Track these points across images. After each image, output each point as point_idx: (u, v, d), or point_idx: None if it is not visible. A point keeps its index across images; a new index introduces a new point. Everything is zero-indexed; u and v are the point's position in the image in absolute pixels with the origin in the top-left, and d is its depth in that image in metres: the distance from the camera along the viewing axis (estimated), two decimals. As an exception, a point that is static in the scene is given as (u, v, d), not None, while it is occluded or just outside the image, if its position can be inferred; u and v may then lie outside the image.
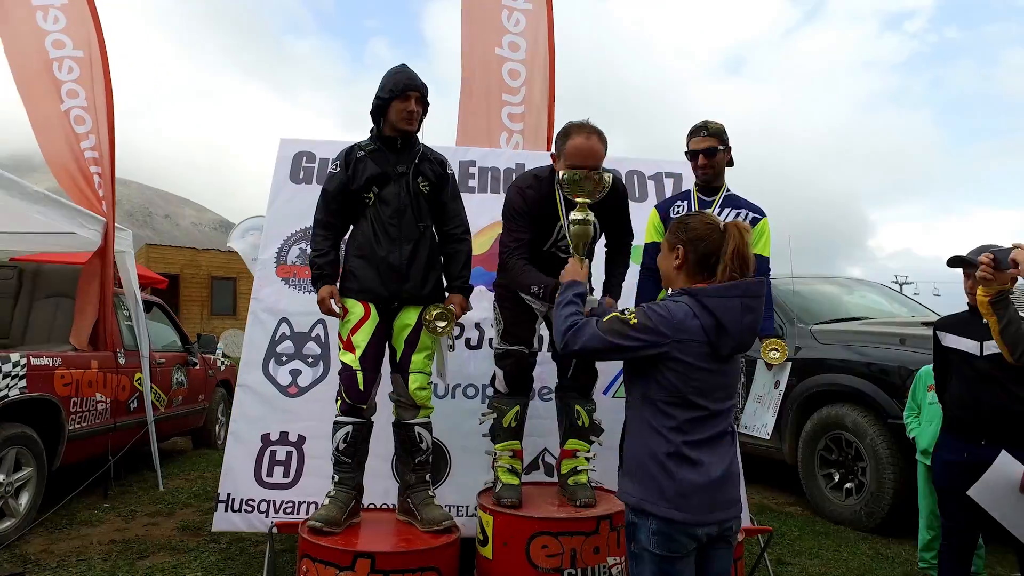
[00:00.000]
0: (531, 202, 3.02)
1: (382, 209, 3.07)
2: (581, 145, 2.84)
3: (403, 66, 3.15)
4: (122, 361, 5.42)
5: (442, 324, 3.02)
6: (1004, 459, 2.80)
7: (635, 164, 4.40)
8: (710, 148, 3.17)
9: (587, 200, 2.59)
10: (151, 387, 5.70)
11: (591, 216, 2.58)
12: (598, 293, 3.16)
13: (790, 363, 2.79)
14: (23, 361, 4.22)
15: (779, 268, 6.24)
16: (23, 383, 4.19)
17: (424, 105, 3.12)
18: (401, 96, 3.04)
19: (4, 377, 4.05)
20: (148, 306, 6.35)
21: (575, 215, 2.57)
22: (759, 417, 2.87)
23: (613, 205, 3.07)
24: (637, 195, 4.27)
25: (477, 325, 3.98)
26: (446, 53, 5.37)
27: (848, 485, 4.94)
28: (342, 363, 3.05)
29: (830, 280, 6.95)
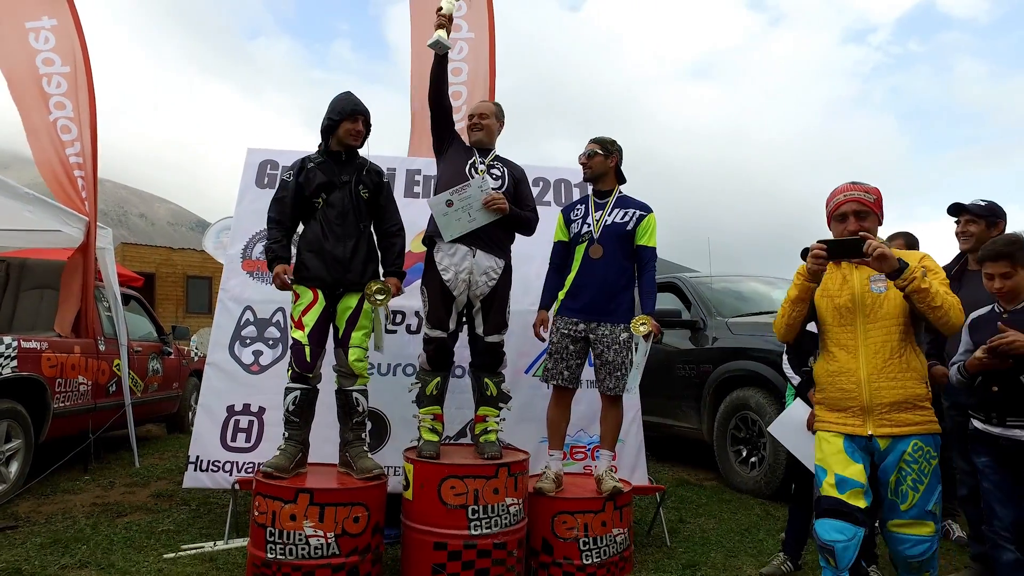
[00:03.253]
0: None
1: (329, 211, 3.67)
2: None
3: (348, 93, 3.81)
4: (102, 348, 5.89)
5: (380, 297, 3.59)
6: (797, 404, 3.48)
7: (540, 172, 5.06)
8: (588, 151, 3.88)
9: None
10: (129, 373, 6.20)
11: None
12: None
13: (652, 335, 3.49)
14: (14, 344, 4.70)
15: (711, 268, 6.88)
16: (14, 363, 4.67)
17: (368, 127, 3.79)
18: (350, 118, 3.70)
19: (-2, 357, 4.51)
20: (126, 299, 6.83)
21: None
22: (632, 380, 3.52)
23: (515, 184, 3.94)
24: (543, 199, 4.91)
25: (416, 313, 4.57)
26: (408, 55, 5.97)
27: (752, 459, 5.58)
28: (293, 339, 3.62)
29: (758, 278, 7.60)
